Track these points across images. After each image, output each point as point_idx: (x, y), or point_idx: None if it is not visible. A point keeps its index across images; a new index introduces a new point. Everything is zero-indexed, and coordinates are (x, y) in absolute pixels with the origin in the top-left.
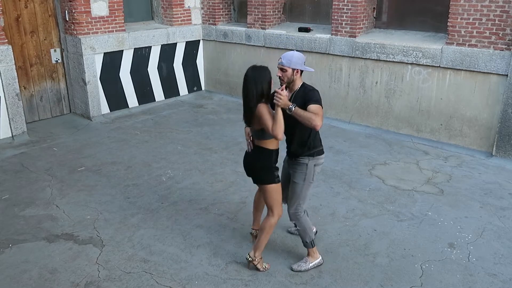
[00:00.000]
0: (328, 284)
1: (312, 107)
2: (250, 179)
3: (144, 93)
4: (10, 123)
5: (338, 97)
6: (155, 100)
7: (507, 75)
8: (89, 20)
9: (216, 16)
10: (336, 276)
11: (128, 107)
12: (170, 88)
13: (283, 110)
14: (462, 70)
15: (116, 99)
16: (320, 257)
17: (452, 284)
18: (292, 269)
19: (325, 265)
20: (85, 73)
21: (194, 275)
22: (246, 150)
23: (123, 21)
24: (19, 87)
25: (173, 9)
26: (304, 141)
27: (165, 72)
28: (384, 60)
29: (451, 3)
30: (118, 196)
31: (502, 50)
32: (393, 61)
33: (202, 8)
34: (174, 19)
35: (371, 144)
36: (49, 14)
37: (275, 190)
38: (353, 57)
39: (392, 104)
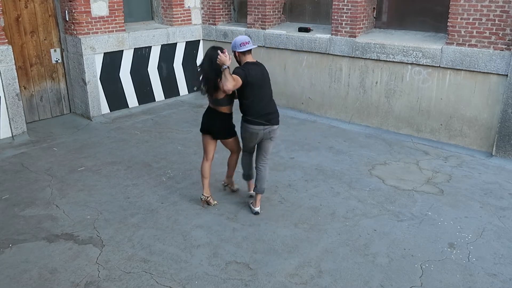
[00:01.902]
0: (328, 284)
1: (230, 74)
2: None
3: (144, 93)
4: (10, 123)
5: (338, 97)
6: (155, 100)
7: (507, 75)
8: (89, 20)
9: (216, 16)
10: (336, 276)
11: (128, 107)
12: (170, 88)
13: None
14: (462, 70)
15: (116, 99)
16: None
17: (452, 284)
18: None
19: (325, 265)
20: (85, 73)
21: (194, 275)
22: (207, 109)
23: (123, 21)
24: (19, 87)
25: (173, 9)
26: (240, 106)
27: (165, 72)
28: (384, 60)
29: (451, 3)
30: (118, 196)
31: (502, 50)
32: (393, 61)
33: (202, 8)
34: (174, 19)
35: (371, 144)
36: (49, 14)
37: (235, 139)
38: (353, 57)
39: (392, 104)
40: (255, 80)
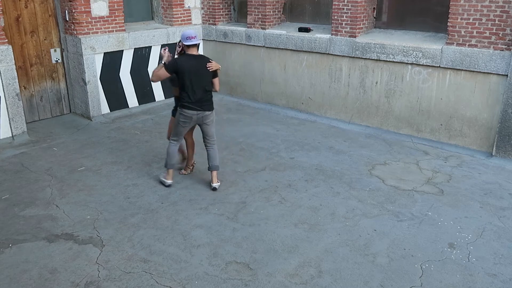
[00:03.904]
0: (328, 284)
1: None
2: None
3: (144, 93)
4: (10, 123)
5: (338, 97)
6: (155, 100)
7: (507, 75)
8: (89, 20)
9: (216, 16)
10: (336, 276)
11: (128, 107)
12: (170, 88)
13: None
14: (462, 70)
15: (116, 99)
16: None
17: (452, 284)
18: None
19: (325, 265)
20: (85, 73)
21: (194, 275)
22: None
23: (123, 21)
24: (19, 87)
25: (173, 9)
26: (179, 94)
27: None
28: (384, 60)
29: (451, 3)
30: (118, 196)
31: (502, 50)
32: (393, 61)
33: (202, 8)
34: (174, 19)
35: (371, 144)
36: (49, 14)
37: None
38: (353, 57)
39: (392, 104)
40: (187, 70)
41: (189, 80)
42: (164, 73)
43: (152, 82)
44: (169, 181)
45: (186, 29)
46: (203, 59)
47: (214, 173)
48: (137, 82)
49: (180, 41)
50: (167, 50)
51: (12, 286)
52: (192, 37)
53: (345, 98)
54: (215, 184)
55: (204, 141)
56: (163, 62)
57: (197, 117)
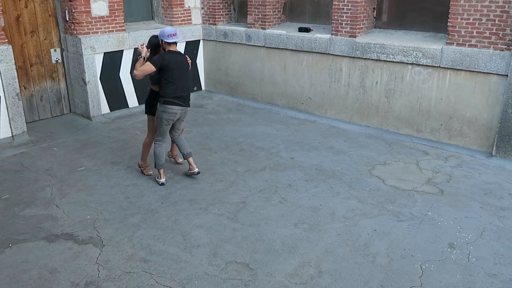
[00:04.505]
0: (328, 284)
1: (142, 63)
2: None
3: (144, 93)
4: (10, 123)
5: (338, 97)
6: None
7: (507, 75)
8: (89, 20)
9: (216, 16)
10: (336, 276)
11: (128, 107)
12: None
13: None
14: (462, 70)
15: (116, 99)
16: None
17: (452, 284)
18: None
19: (325, 265)
20: (85, 73)
21: (194, 275)
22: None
23: (123, 21)
24: (19, 87)
25: (173, 9)
26: (160, 90)
27: None
28: (384, 60)
29: (451, 3)
30: (118, 196)
31: (502, 50)
32: (393, 61)
33: (202, 8)
34: (174, 19)
35: (371, 144)
36: (49, 14)
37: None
38: (353, 57)
39: (392, 104)
40: (172, 65)
41: (177, 75)
42: (150, 68)
43: (136, 78)
44: (162, 180)
45: (187, 29)
46: (183, 56)
47: (191, 159)
48: (137, 82)
49: (149, 41)
50: (144, 45)
51: (12, 286)
52: (173, 35)
53: (345, 98)
54: (197, 169)
55: (171, 135)
56: (142, 57)
57: (180, 112)
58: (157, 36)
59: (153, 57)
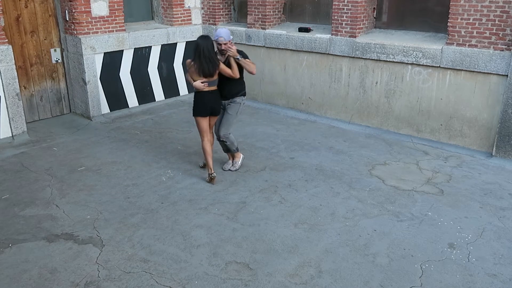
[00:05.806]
0: (328, 284)
1: (248, 60)
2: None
3: (144, 93)
4: (10, 123)
5: (338, 97)
6: (155, 100)
7: (507, 76)
8: (89, 20)
9: (216, 16)
10: (336, 276)
11: (128, 107)
12: (170, 88)
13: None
14: (462, 70)
15: (116, 99)
16: (242, 155)
17: (452, 284)
18: (223, 169)
19: (325, 265)
20: (85, 73)
21: (194, 275)
22: (203, 95)
23: (123, 21)
24: (19, 87)
25: (173, 9)
26: (240, 86)
27: (165, 72)
28: (384, 60)
29: (451, 3)
30: (118, 196)
31: (502, 51)
32: (393, 61)
33: (202, 8)
34: (174, 19)
35: (371, 144)
36: (49, 14)
37: None
38: (353, 57)
39: (392, 104)
40: None
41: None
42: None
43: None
44: (241, 156)
45: (187, 29)
46: None
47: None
48: (137, 82)
49: (199, 44)
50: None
51: (12, 286)
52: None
53: (345, 98)
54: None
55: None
56: (241, 56)
57: None
58: (205, 37)
59: (242, 53)
